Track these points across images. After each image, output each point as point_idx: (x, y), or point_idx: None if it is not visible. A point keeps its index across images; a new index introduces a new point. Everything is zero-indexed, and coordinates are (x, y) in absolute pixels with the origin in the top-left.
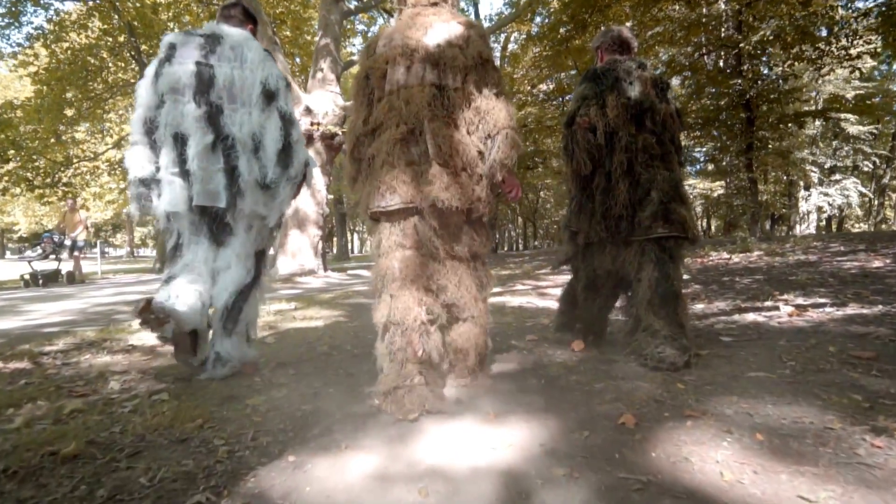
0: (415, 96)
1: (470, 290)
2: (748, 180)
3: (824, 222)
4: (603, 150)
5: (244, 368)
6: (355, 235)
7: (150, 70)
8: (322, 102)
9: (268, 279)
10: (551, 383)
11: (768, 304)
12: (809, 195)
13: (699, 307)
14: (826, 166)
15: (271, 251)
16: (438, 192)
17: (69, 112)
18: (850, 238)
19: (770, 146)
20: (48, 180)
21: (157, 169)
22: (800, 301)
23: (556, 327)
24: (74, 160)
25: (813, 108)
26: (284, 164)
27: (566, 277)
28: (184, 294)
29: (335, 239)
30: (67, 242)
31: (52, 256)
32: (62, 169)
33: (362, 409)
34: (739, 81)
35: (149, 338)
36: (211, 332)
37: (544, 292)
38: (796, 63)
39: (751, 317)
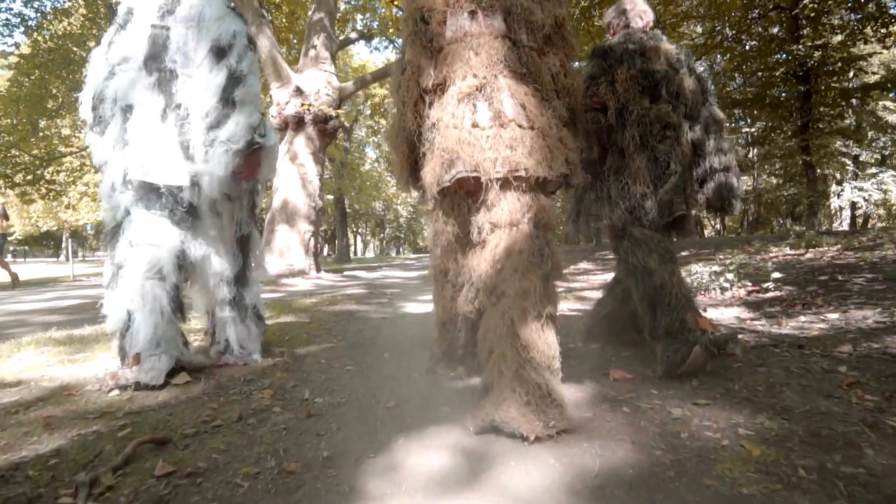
0: (485, 46)
1: (515, 259)
2: (803, 165)
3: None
4: (613, 129)
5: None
6: (358, 238)
7: (104, 39)
8: (314, 82)
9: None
10: None
11: None
12: (842, 190)
13: (833, 317)
14: (860, 158)
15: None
16: (521, 157)
17: (50, 104)
18: None
19: (834, 124)
20: (29, 177)
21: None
22: None
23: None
24: (57, 155)
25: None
26: (216, 124)
27: (597, 278)
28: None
29: (336, 241)
30: None
31: None
32: (44, 164)
33: None
34: (800, 46)
35: None
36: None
37: (582, 296)
38: (865, 26)
39: None
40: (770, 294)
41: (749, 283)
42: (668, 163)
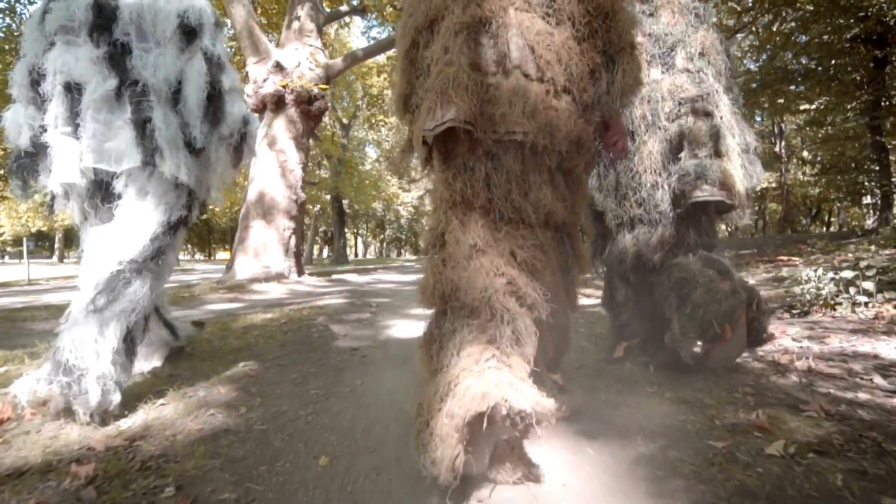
0: None
1: (559, 279)
2: (873, 148)
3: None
4: None
5: None
6: (359, 239)
7: (37, 7)
8: (296, 58)
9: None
10: None
11: None
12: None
13: None
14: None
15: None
16: (516, 117)
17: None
18: None
19: None
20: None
21: (43, 130)
22: None
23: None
24: None
25: None
26: (213, 120)
27: None
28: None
29: (334, 242)
30: None
31: None
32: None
33: None
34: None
35: None
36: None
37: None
38: None
39: None
40: None
41: (889, 295)
42: (683, 144)
